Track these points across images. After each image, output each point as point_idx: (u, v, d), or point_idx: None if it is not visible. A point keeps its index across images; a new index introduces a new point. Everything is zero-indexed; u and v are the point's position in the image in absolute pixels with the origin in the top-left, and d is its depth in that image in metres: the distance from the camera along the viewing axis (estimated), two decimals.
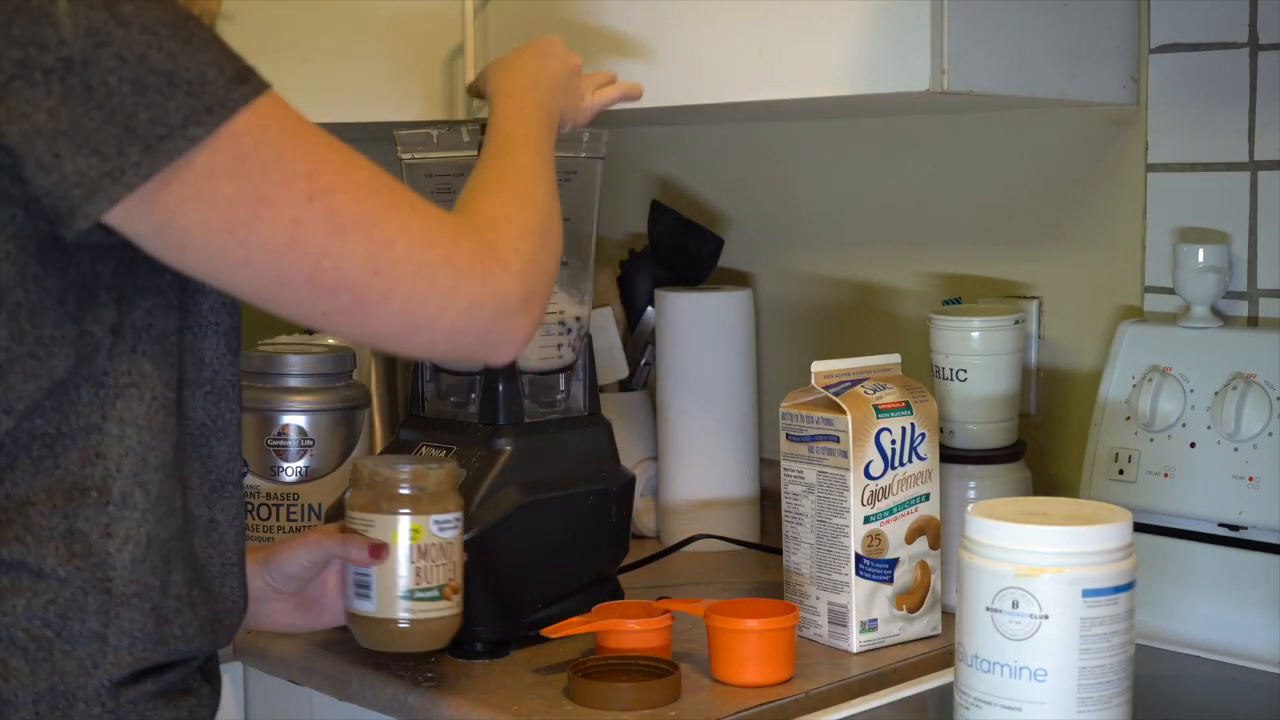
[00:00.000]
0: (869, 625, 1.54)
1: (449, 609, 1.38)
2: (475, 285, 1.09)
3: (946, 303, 1.85)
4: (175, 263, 1.03)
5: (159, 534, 1.08)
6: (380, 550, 1.34)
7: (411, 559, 1.35)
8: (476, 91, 1.49)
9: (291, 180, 1.02)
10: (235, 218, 1.00)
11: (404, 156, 1.68)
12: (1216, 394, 1.55)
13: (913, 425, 1.55)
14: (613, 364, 2.03)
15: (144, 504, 1.07)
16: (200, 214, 1.00)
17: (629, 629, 1.47)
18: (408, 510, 1.36)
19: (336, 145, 1.06)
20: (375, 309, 1.06)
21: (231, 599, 1.18)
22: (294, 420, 1.63)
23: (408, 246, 1.06)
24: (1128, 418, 1.61)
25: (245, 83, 1.01)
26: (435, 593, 1.36)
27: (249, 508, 1.62)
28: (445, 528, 1.37)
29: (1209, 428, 1.55)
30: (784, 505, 1.60)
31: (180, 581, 1.10)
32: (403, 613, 1.36)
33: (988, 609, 1.18)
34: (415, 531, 1.35)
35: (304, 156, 1.03)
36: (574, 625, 1.49)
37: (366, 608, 1.36)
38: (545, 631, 1.48)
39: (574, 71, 1.46)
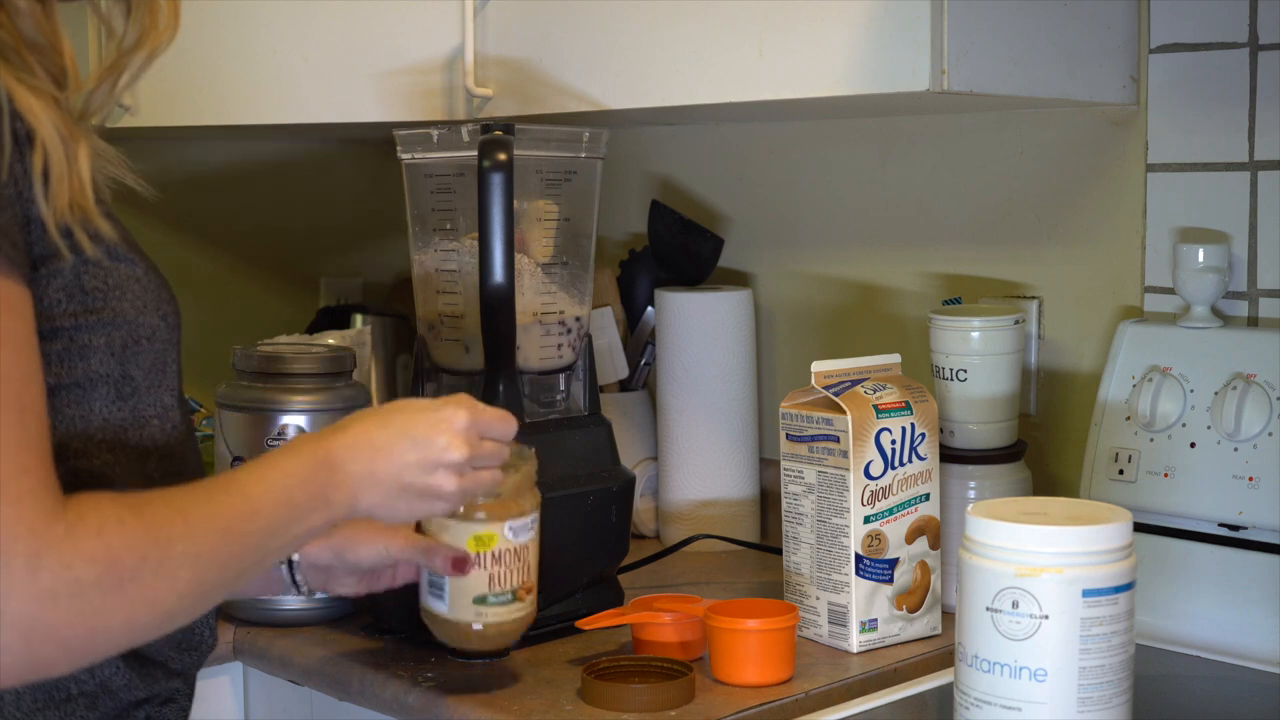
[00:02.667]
0: (869, 625, 1.54)
1: (522, 609, 1.38)
2: None
3: (946, 303, 1.85)
4: None
5: None
6: (463, 564, 1.32)
7: (485, 565, 1.35)
8: None
9: None
10: None
11: (404, 157, 1.68)
12: (1216, 394, 1.55)
13: (913, 425, 1.55)
14: (613, 364, 2.03)
15: None
16: None
17: (664, 622, 1.48)
18: (483, 516, 1.34)
19: None
20: None
21: (171, 639, 1.14)
22: (294, 420, 1.63)
23: None
24: (1128, 418, 1.61)
25: None
26: (509, 596, 1.36)
27: None
28: (520, 531, 1.36)
29: (1209, 428, 1.55)
30: (784, 505, 1.60)
31: None
32: (475, 616, 1.36)
33: (988, 609, 1.18)
34: (489, 538, 1.34)
35: None
36: (608, 618, 1.50)
37: (440, 608, 1.37)
38: (580, 624, 1.48)
39: (434, 466, 1.17)
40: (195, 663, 1.19)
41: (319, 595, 1.37)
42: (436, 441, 1.16)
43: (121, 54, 1.10)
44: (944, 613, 1.59)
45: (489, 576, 1.35)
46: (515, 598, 1.37)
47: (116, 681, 1.11)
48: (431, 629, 1.39)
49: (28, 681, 0.95)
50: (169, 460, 1.14)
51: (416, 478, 1.16)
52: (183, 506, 1.00)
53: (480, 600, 1.35)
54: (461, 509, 1.32)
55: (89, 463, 1.08)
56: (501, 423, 1.23)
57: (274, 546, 1.07)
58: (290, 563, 1.34)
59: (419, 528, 1.36)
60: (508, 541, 1.35)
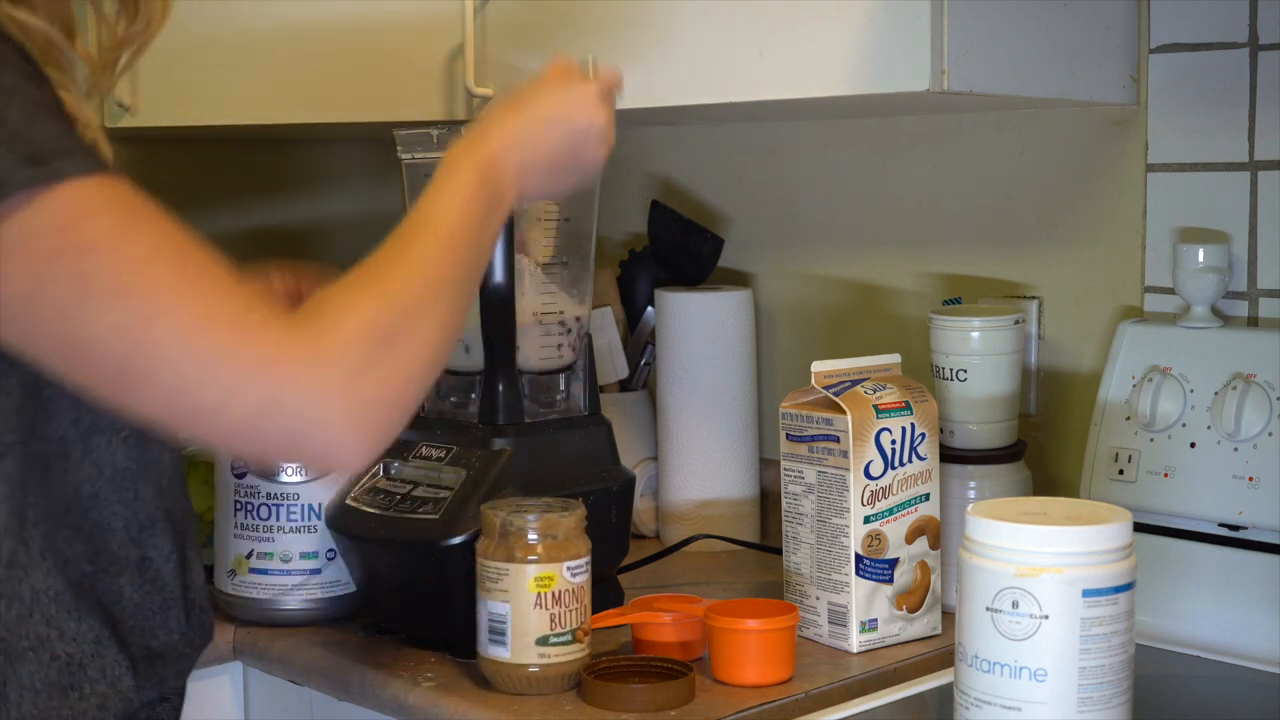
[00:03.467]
0: (869, 625, 1.54)
1: (581, 650, 1.43)
2: (270, 384, 0.96)
3: (947, 303, 1.85)
4: None
5: (51, 585, 1.07)
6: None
7: (546, 606, 1.39)
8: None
9: (41, 234, 0.93)
10: None
11: (404, 156, 1.68)
12: (1216, 394, 1.55)
13: (913, 425, 1.55)
14: (613, 364, 2.03)
15: (25, 560, 1.06)
16: None
17: (664, 622, 1.48)
18: (541, 558, 1.40)
19: (126, 211, 0.97)
20: (138, 387, 0.96)
21: (178, 632, 1.16)
22: None
23: (175, 326, 0.95)
24: (1128, 418, 1.61)
25: (41, 165, 0.93)
26: (569, 637, 1.41)
27: (249, 507, 1.62)
28: (577, 573, 1.42)
29: (1209, 428, 1.55)
30: (784, 505, 1.60)
31: (94, 626, 1.09)
32: (537, 658, 1.40)
33: (988, 609, 1.18)
34: (549, 579, 1.39)
35: (66, 210, 0.94)
36: (608, 618, 1.50)
37: (501, 654, 1.41)
38: None
39: (583, 140, 1.27)
40: (195, 659, 1.20)
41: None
42: (579, 119, 1.26)
43: (114, 43, 1.10)
44: (944, 613, 1.59)
45: (550, 617, 1.40)
46: (574, 638, 1.41)
47: (125, 683, 1.12)
48: (491, 680, 1.43)
49: (377, 454, 1.02)
50: (176, 461, 1.17)
51: (570, 156, 1.26)
52: (398, 261, 1.08)
53: (543, 641, 1.40)
54: (518, 553, 1.39)
55: (114, 459, 1.11)
56: (616, 79, 1.33)
57: (480, 257, 1.16)
58: None
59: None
60: (567, 582, 1.40)
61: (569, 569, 1.41)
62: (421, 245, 1.10)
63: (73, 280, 0.94)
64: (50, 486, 1.07)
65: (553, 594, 1.40)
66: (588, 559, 1.43)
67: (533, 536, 1.40)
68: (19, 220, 0.93)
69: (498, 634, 1.41)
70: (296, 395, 0.97)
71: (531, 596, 1.39)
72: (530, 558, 1.40)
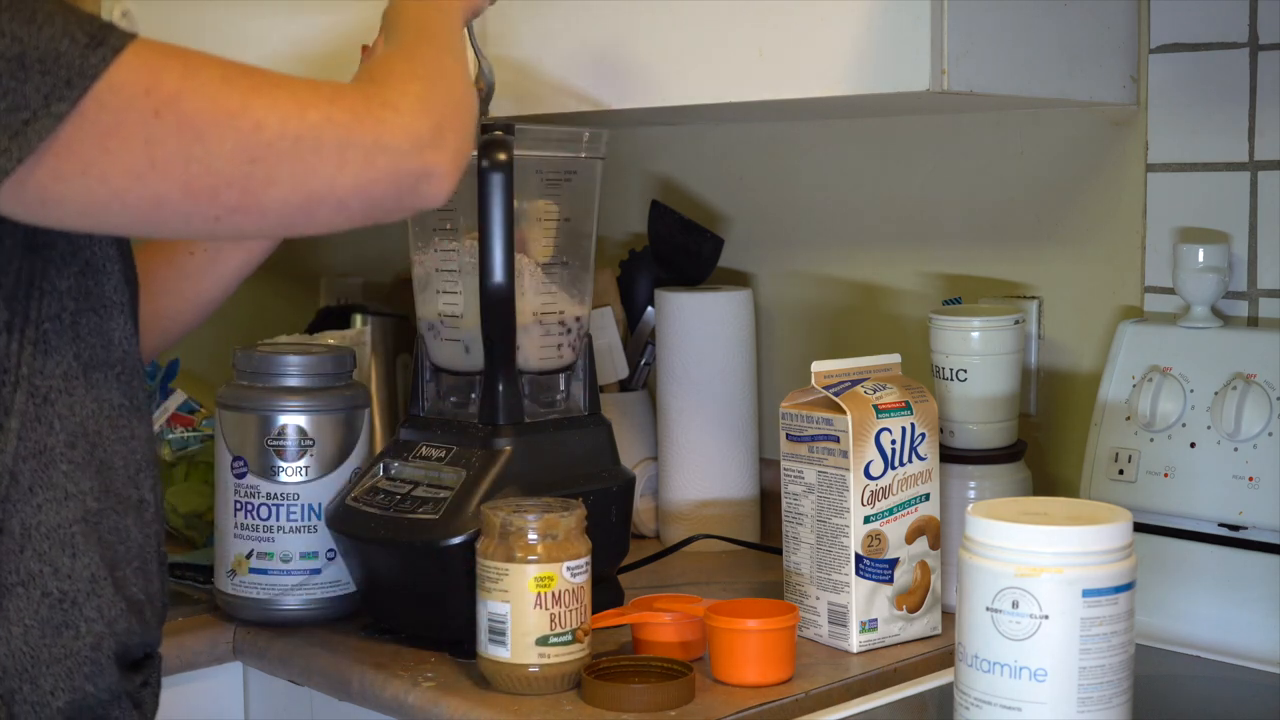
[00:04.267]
0: (869, 625, 1.54)
1: (581, 650, 1.43)
2: (367, 133, 1.08)
3: (947, 303, 1.85)
4: (46, 221, 1.04)
5: (52, 520, 1.09)
6: None
7: (546, 606, 1.40)
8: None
9: (133, 102, 1.01)
10: (88, 159, 1.01)
11: None
12: (1216, 394, 1.55)
13: (913, 425, 1.55)
14: (613, 364, 2.03)
15: (15, 495, 1.08)
16: (73, 178, 1.01)
17: (664, 622, 1.48)
18: (541, 558, 1.40)
19: (180, 53, 1.04)
20: (265, 196, 1.05)
21: (158, 581, 1.19)
22: (294, 420, 1.63)
23: (280, 123, 1.04)
24: (1128, 418, 1.61)
25: (102, 45, 1.00)
26: (569, 636, 1.41)
27: (249, 507, 1.63)
28: (577, 573, 1.42)
29: (1209, 428, 1.55)
30: (784, 505, 1.60)
31: (90, 564, 1.11)
32: (537, 658, 1.40)
33: (988, 609, 1.18)
34: (549, 579, 1.39)
35: (141, 74, 1.01)
36: (608, 618, 1.50)
37: (501, 654, 1.41)
38: None
39: None
40: (164, 615, 1.24)
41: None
42: None
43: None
44: (944, 613, 1.59)
45: (550, 617, 1.40)
46: (574, 638, 1.42)
47: (121, 625, 1.14)
48: (491, 679, 1.43)
49: (464, 167, 1.17)
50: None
51: None
52: (397, 49, 1.23)
53: (542, 641, 1.40)
54: (518, 553, 1.39)
55: (110, 396, 1.14)
56: None
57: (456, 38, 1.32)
58: None
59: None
60: (567, 582, 1.41)
61: (569, 569, 1.41)
62: (417, 45, 1.24)
63: (180, 129, 1.01)
64: (49, 421, 1.08)
65: (553, 594, 1.40)
66: (588, 559, 1.43)
67: (533, 536, 1.40)
68: (111, 98, 0.99)
69: (498, 634, 1.41)
70: (392, 135, 1.08)
71: (531, 596, 1.39)
72: (530, 558, 1.40)
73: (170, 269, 1.43)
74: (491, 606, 1.41)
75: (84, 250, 1.13)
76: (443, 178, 1.12)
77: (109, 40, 1.01)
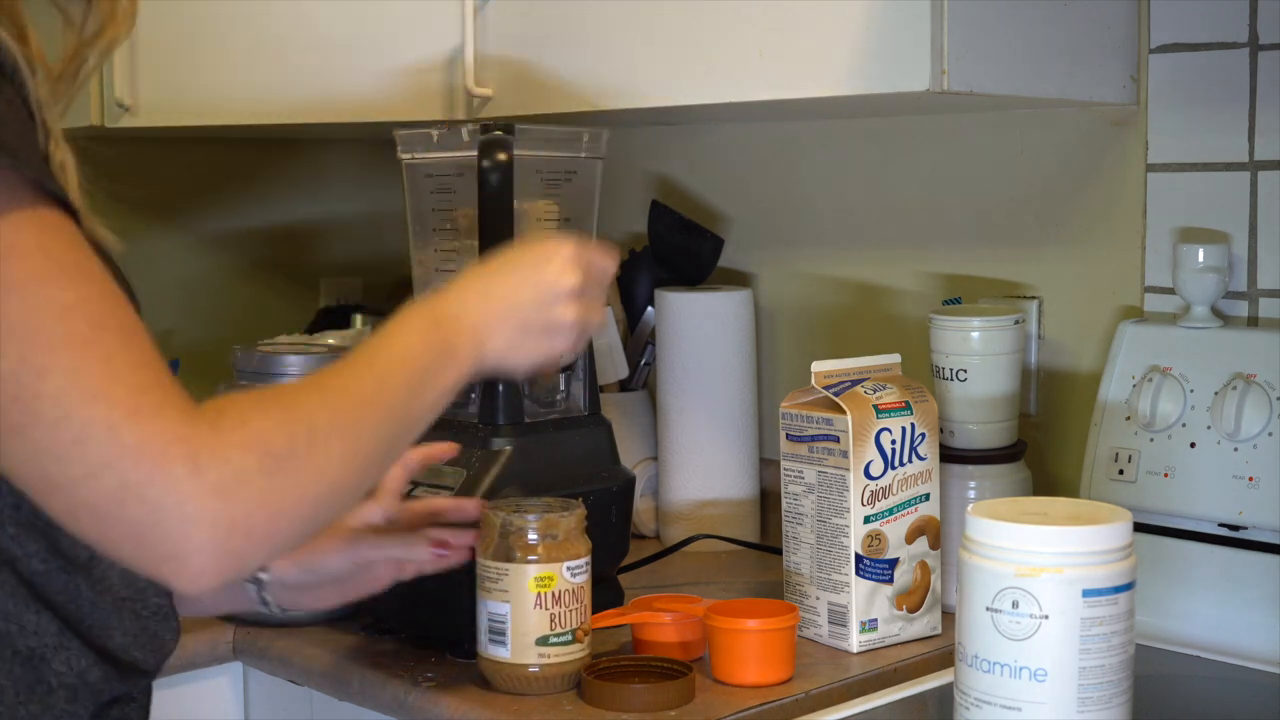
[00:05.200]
0: (869, 625, 1.54)
1: (581, 650, 1.42)
2: (140, 471, 0.90)
3: (947, 303, 1.85)
4: None
5: (4, 581, 1.05)
6: (444, 545, 1.33)
7: (546, 606, 1.39)
8: None
9: None
10: None
11: (404, 156, 1.68)
12: (1216, 394, 1.55)
13: (913, 425, 1.55)
14: (613, 364, 2.03)
15: None
16: None
17: (664, 622, 1.48)
18: (540, 558, 1.39)
19: (54, 254, 0.93)
20: (7, 439, 0.91)
21: (131, 635, 1.13)
22: None
23: (65, 388, 0.90)
24: (1128, 418, 1.61)
25: None
26: (569, 637, 1.41)
27: None
28: (577, 573, 1.41)
29: (1209, 428, 1.55)
30: (784, 505, 1.60)
31: (53, 619, 1.08)
32: (537, 658, 1.40)
33: (988, 609, 1.18)
34: (549, 579, 1.39)
35: None
36: (608, 618, 1.50)
37: (501, 653, 1.41)
38: None
39: (550, 297, 1.17)
40: (159, 662, 1.19)
41: (290, 613, 1.38)
42: (548, 272, 1.16)
43: (81, 44, 1.08)
44: (944, 613, 1.59)
45: (550, 617, 1.40)
46: (574, 638, 1.41)
47: (94, 675, 1.10)
48: (491, 679, 1.43)
49: (229, 578, 0.95)
50: None
51: (536, 313, 1.15)
52: (315, 386, 1.01)
53: (542, 641, 1.40)
54: (518, 553, 1.38)
55: None
56: (602, 256, 1.22)
57: (417, 407, 1.06)
58: (259, 582, 1.33)
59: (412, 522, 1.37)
60: (567, 582, 1.40)
61: (569, 569, 1.40)
62: (347, 377, 1.03)
63: None
64: None
65: (553, 594, 1.40)
66: (588, 559, 1.43)
67: (533, 537, 1.40)
68: None
69: (498, 634, 1.41)
70: (162, 490, 0.90)
71: (531, 597, 1.39)
72: (530, 558, 1.39)
73: None
74: (491, 606, 1.41)
75: None
76: (194, 577, 0.93)
77: None
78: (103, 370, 0.91)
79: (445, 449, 1.36)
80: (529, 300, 1.15)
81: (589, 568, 1.43)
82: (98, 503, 0.91)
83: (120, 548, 0.93)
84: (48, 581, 1.08)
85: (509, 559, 1.40)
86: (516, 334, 1.15)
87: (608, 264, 1.23)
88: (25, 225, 0.92)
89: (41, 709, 1.08)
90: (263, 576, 1.32)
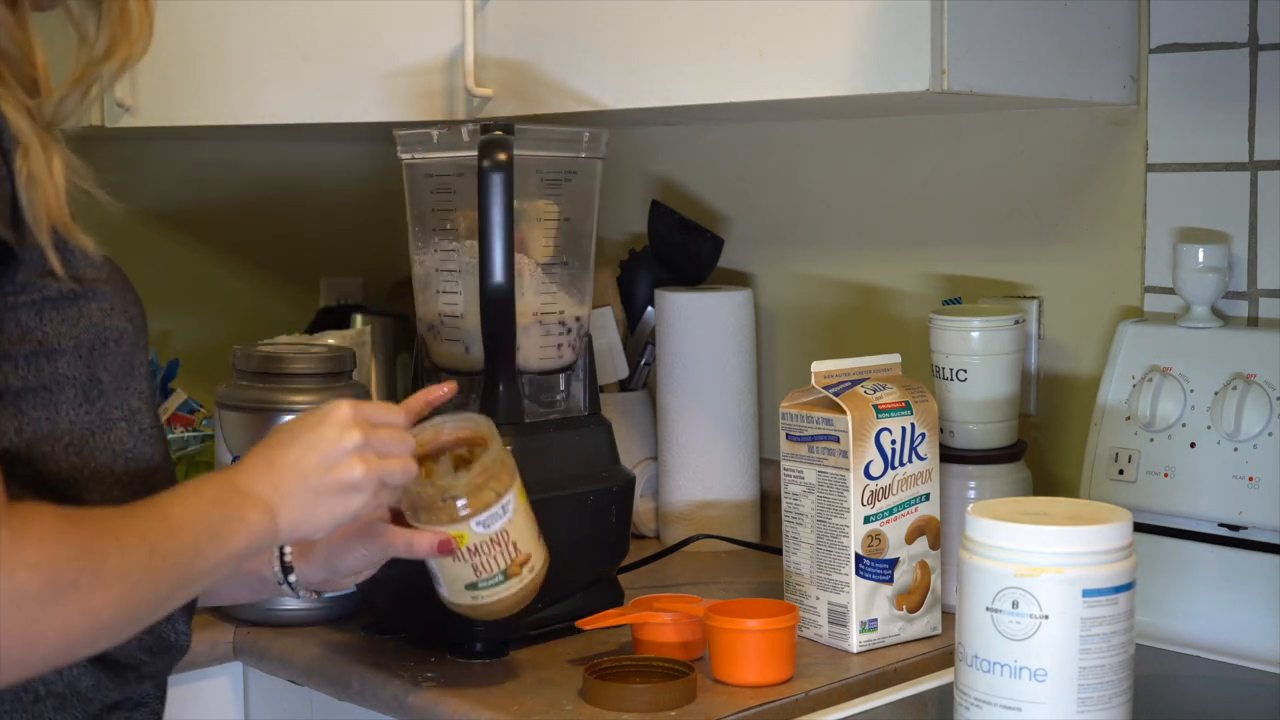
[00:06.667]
0: (869, 625, 1.54)
1: (519, 583, 1.35)
2: None
3: (947, 303, 1.85)
4: None
5: None
6: (448, 545, 1.31)
7: (464, 559, 1.33)
8: None
9: None
10: None
11: (404, 156, 1.68)
12: (1216, 394, 1.55)
13: (913, 425, 1.55)
14: (613, 364, 2.03)
15: None
16: None
17: (664, 622, 1.48)
18: (445, 522, 1.32)
19: None
20: None
21: (133, 641, 1.12)
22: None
23: None
24: (1128, 418, 1.61)
25: None
26: (499, 578, 1.35)
27: None
28: (491, 521, 1.33)
29: (1209, 428, 1.55)
30: (784, 505, 1.60)
31: None
32: (473, 599, 1.35)
33: (988, 609, 1.18)
34: (460, 538, 1.33)
35: None
36: (608, 618, 1.50)
37: (443, 593, 1.37)
38: (580, 624, 1.48)
39: (330, 455, 1.16)
40: (167, 666, 1.18)
41: (320, 597, 1.39)
42: (326, 435, 1.16)
43: (92, 62, 1.09)
44: (944, 613, 1.59)
45: (472, 567, 1.34)
46: (507, 576, 1.35)
47: (84, 683, 1.10)
48: (445, 604, 1.38)
49: None
50: (137, 463, 1.13)
51: (322, 477, 1.15)
52: (113, 523, 1.00)
53: (472, 587, 1.35)
54: (425, 515, 1.31)
55: (56, 466, 1.08)
56: (386, 410, 1.23)
57: (200, 568, 1.05)
58: (289, 583, 1.33)
59: (398, 520, 1.35)
60: (479, 535, 1.33)
61: (478, 522, 1.32)
62: (144, 525, 1.02)
63: None
64: None
65: (468, 549, 1.32)
66: (508, 497, 1.33)
67: (436, 503, 1.31)
68: None
69: (434, 576, 1.36)
70: None
71: (449, 536, 1.31)
72: (438, 524, 1.31)
73: None
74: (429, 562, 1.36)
75: (34, 331, 1.07)
76: None
77: None
78: None
79: (445, 389, 1.35)
80: (313, 465, 1.15)
81: (512, 504, 1.34)
82: None
83: None
84: None
85: (418, 522, 1.32)
86: (308, 499, 1.14)
87: (393, 415, 1.23)
88: None
89: (28, 717, 1.08)
90: (292, 578, 1.33)
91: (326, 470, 1.15)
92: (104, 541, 0.97)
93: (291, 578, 1.33)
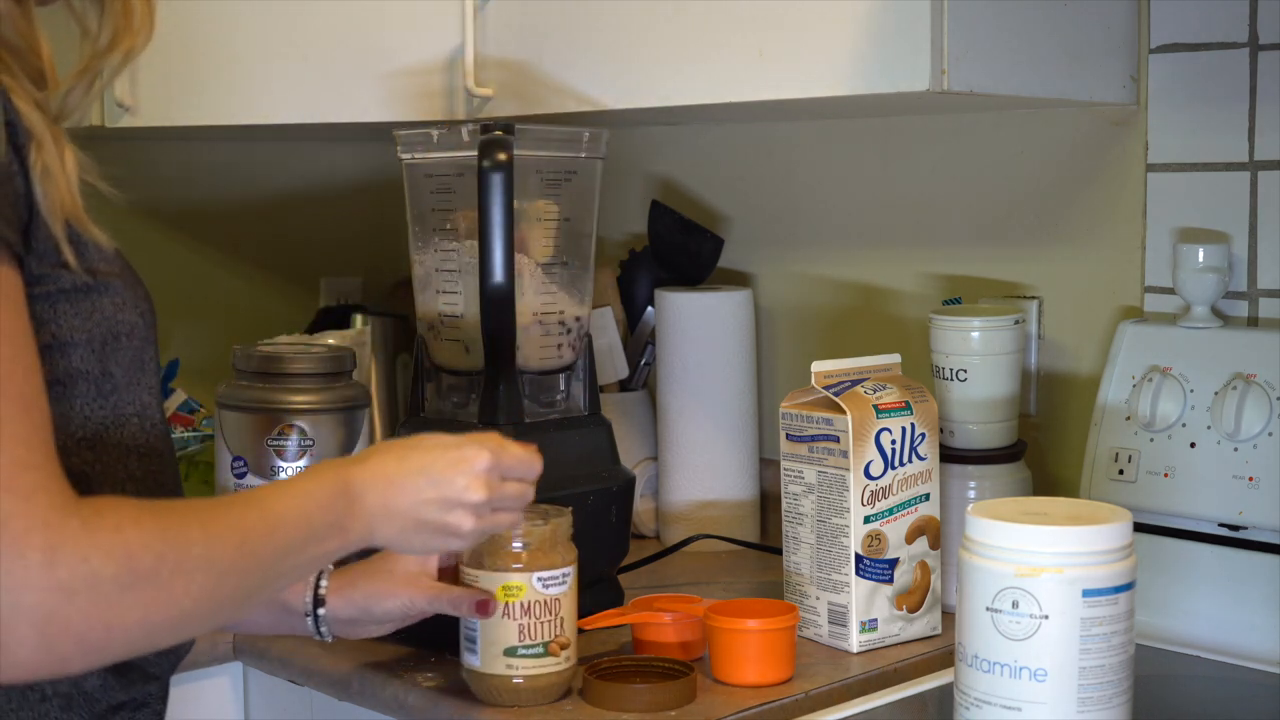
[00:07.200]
0: (869, 625, 1.54)
1: (556, 665, 1.37)
2: None
3: (947, 303, 1.85)
4: None
5: None
6: (486, 606, 1.32)
7: (514, 616, 1.35)
8: None
9: None
10: None
11: (404, 156, 1.68)
12: (1216, 394, 1.55)
13: (913, 425, 1.55)
14: (613, 364, 2.03)
15: None
16: None
17: (664, 622, 1.48)
18: (510, 566, 1.35)
19: None
20: None
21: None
22: (294, 420, 1.63)
23: None
24: (1128, 418, 1.61)
25: None
26: (540, 649, 1.36)
27: None
28: (551, 584, 1.36)
29: (1209, 428, 1.55)
30: (784, 505, 1.60)
31: None
32: (506, 669, 1.36)
33: (988, 609, 1.18)
34: (518, 589, 1.34)
35: None
36: (608, 618, 1.50)
37: (473, 662, 1.38)
38: (580, 624, 1.48)
39: (452, 506, 1.16)
40: (171, 666, 1.19)
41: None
42: (455, 482, 1.16)
43: (95, 55, 1.09)
44: (944, 613, 1.59)
45: (518, 627, 1.35)
46: (547, 651, 1.37)
47: (91, 683, 1.10)
48: (471, 687, 1.40)
49: (42, 678, 0.94)
50: (149, 459, 1.13)
51: (433, 515, 1.15)
52: (202, 513, 1.00)
53: (510, 652, 1.36)
54: (490, 557, 1.34)
55: (69, 461, 1.07)
56: (525, 465, 1.23)
57: (287, 566, 1.05)
58: (316, 616, 1.34)
59: (444, 575, 1.36)
60: (537, 593, 1.35)
61: (540, 579, 1.35)
62: (238, 518, 1.02)
63: None
64: None
65: (521, 604, 1.35)
66: (568, 570, 1.38)
67: (507, 545, 1.36)
68: None
69: (470, 641, 1.37)
70: (6, 571, 0.88)
71: (499, 606, 1.35)
72: (500, 565, 1.35)
73: None
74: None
75: (48, 324, 1.06)
76: (8, 668, 0.90)
77: None
78: None
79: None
80: (430, 501, 1.15)
81: (570, 580, 1.38)
82: None
83: None
84: None
85: (480, 565, 1.36)
86: (410, 528, 1.15)
87: (529, 470, 1.23)
88: None
89: (34, 716, 1.08)
90: (320, 610, 1.34)
91: (440, 511, 1.15)
92: (188, 532, 0.97)
93: (321, 610, 1.33)
